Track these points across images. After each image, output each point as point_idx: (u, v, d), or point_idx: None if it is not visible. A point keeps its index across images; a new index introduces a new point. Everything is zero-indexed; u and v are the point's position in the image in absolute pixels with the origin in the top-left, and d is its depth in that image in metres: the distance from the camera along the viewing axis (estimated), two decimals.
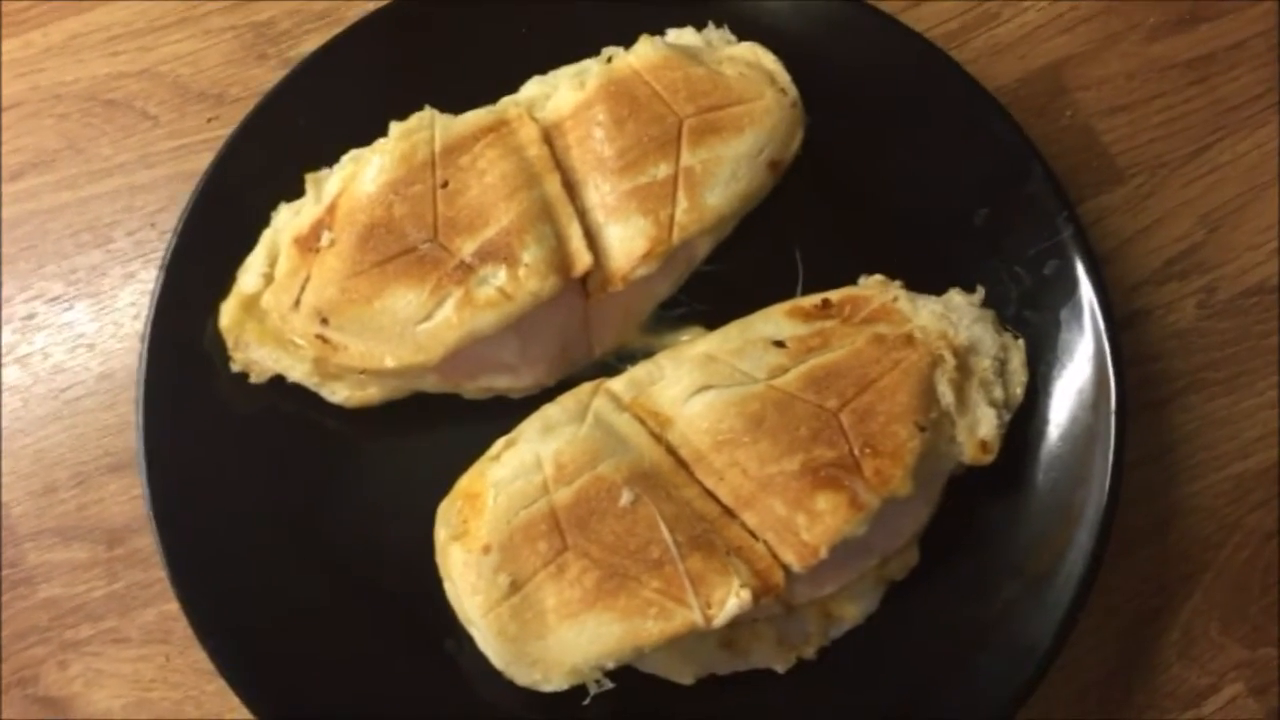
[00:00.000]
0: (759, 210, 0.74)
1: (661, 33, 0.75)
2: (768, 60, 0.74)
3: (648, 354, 0.70)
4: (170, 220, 0.76)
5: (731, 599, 0.62)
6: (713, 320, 0.71)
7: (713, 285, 0.73)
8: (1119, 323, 0.71)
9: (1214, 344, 0.75)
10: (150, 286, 0.73)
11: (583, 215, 0.70)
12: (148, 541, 0.70)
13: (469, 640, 0.64)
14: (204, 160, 0.74)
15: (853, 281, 0.72)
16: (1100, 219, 0.77)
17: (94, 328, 0.75)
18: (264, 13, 0.81)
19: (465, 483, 0.66)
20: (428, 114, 0.70)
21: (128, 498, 0.71)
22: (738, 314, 0.70)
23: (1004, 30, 0.82)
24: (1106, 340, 0.69)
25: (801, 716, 0.66)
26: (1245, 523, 0.71)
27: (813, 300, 0.70)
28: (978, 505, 0.68)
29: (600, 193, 0.70)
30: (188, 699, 0.69)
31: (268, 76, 0.78)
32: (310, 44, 0.79)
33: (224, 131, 0.75)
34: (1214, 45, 0.81)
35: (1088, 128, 0.79)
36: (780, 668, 0.66)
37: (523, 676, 0.63)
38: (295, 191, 0.71)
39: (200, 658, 0.67)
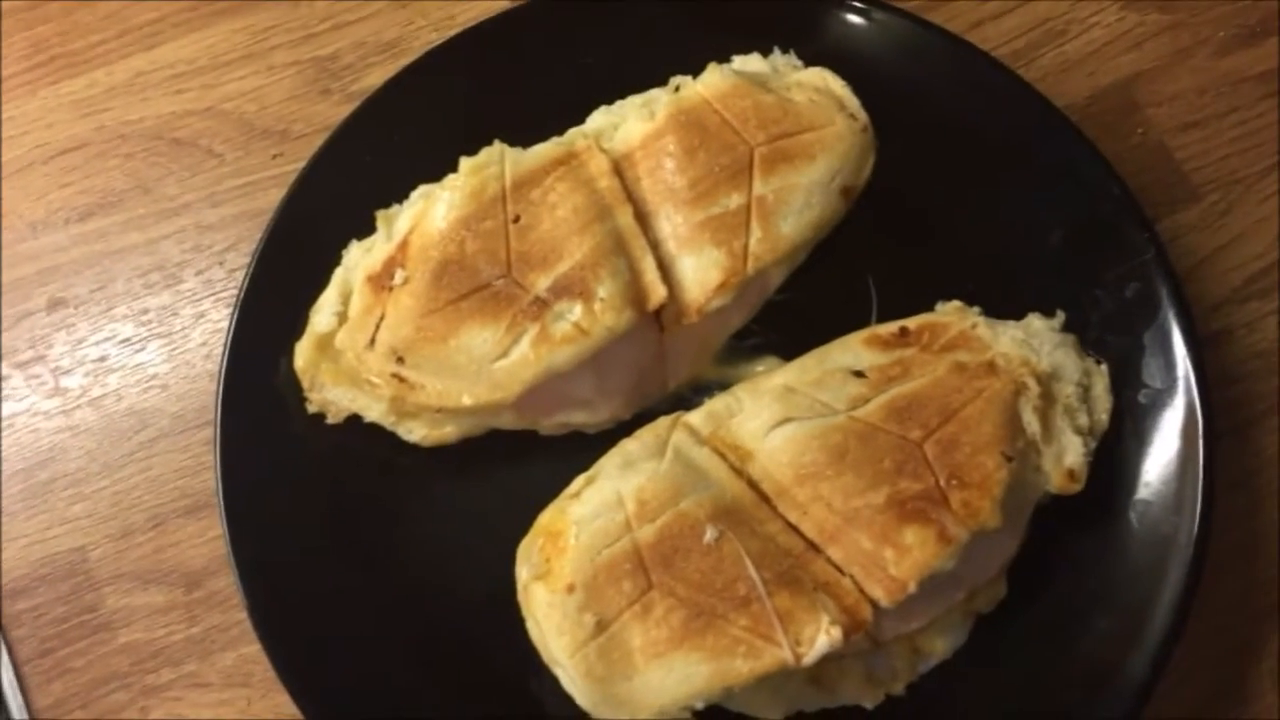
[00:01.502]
0: (831, 238, 0.73)
1: (727, 60, 0.74)
2: (836, 85, 0.73)
3: (722, 386, 0.70)
4: (238, 259, 0.76)
5: (821, 636, 0.61)
6: (787, 350, 0.71)
7: (786, 315, 0.72)
8: (1201, 343, 0.69)
9: None
10: (221, 325, 0.74)
11: (656, 247, 0.69)
12: (225, 584, 0.70)
13: (553, 681, 0.63)
14: (271, 197, 0.74)
15: (927, 308, 0.71)
16: (1176, 238, 0.76)
17: (166, 369, 0.75)
18: (328, 47, 0.81)
19: (545, 521, 0.65)
20: (497, 149, 0.70)
21: (204, 540, 0.71)
22: (811, 343, 0.69)
23: (1071, 47, 0.81)
24: (1192, 364, 0.68)
25: None
26: None
27: (890, 328, 0.69)
28: (1066, 536, 0.67)
29: (673, 224, 0.69)
30: None
31: (332, 112, 0.78)
32: (374, 78, 0.79)
33: (290, 168, 0.75)
34: None
35: (1160, 145, 0.78)
36: (869, 704, 0.65)
37: (610, 717, 0.62)
38: (366, 229, 0.70)
39: (281, 701, 0.67)
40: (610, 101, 0.74)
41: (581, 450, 0.67)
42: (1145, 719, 0.65)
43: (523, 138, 0.71)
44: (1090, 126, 0.75)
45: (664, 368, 0.71)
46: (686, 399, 0.71)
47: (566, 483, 0.66)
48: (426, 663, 0.66)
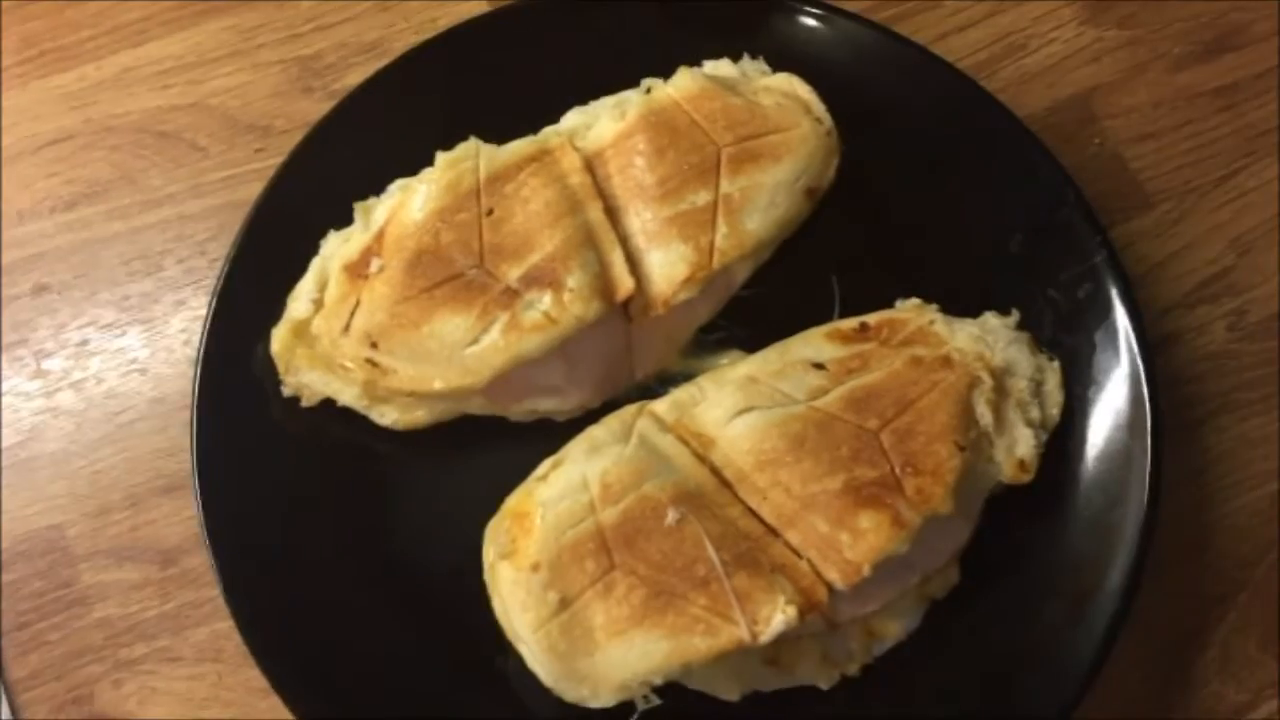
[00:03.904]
0: (796, 237, 0.75)
1: (698, 64, 0.77)
2: (803, 90, 0.76)
3: (688, 377, 0.72)
4: (219, 248, 0.78)
5: (778, 615, 0.63)
6: (751, 344, 0.73)
7: (751, 310, 0.74)
8: (1152, 345, 0.72)
9: (1246, 365, 0.76)
10: (200, 313, 0.76)
11: (624, 241, 0.71)
12: (199, 562, 0.71)
13: (517, 658, 0.64)
14: (252, 190, 0.76)
15: (887, 306, 0.73)
16: (1130, 244, 0.79)
17: (146, 353, 0.77)
18: (311, 47, 0.84)
19: (513, 503, 0.67)
20: (472, 144, 0.72)
21: (180, 519, 0.73)
22: (775, 338, 0.72)
23: (1032, 61, 0.83)
24: (1141, 361, 0.70)
25: None
26: None
27: (850, 324, 0.72)
28: (1017, 525, 0.69)
29: (641, 220, 0.72)
30: (240, 716, 0.69)
31: (314, 109, 0.80)
32: (355, 77, 0.81)
33: (272, 162, 0.77)
34: (1239, 74, 0.83)
35: (1116, 155, 0.81)
36: (824, 684, 0.67)
37: (571, 693, 0.63)
38: (343, 220, 0.72)
39: (251, 676, 0.68)
40: (584, 102, 0.76)
41: (550, 437, 0.69)
42: (1093, 704, 0.67)
43: (498, 136, 0.73)
44: (1049, 136, 0.78)
45: (631, 358, 0.73)
46: (653, 389, 0.72)
47: (534, 467, 0.67)
48: (395, 639, 0.68)
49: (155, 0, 0.85)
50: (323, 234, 0.73)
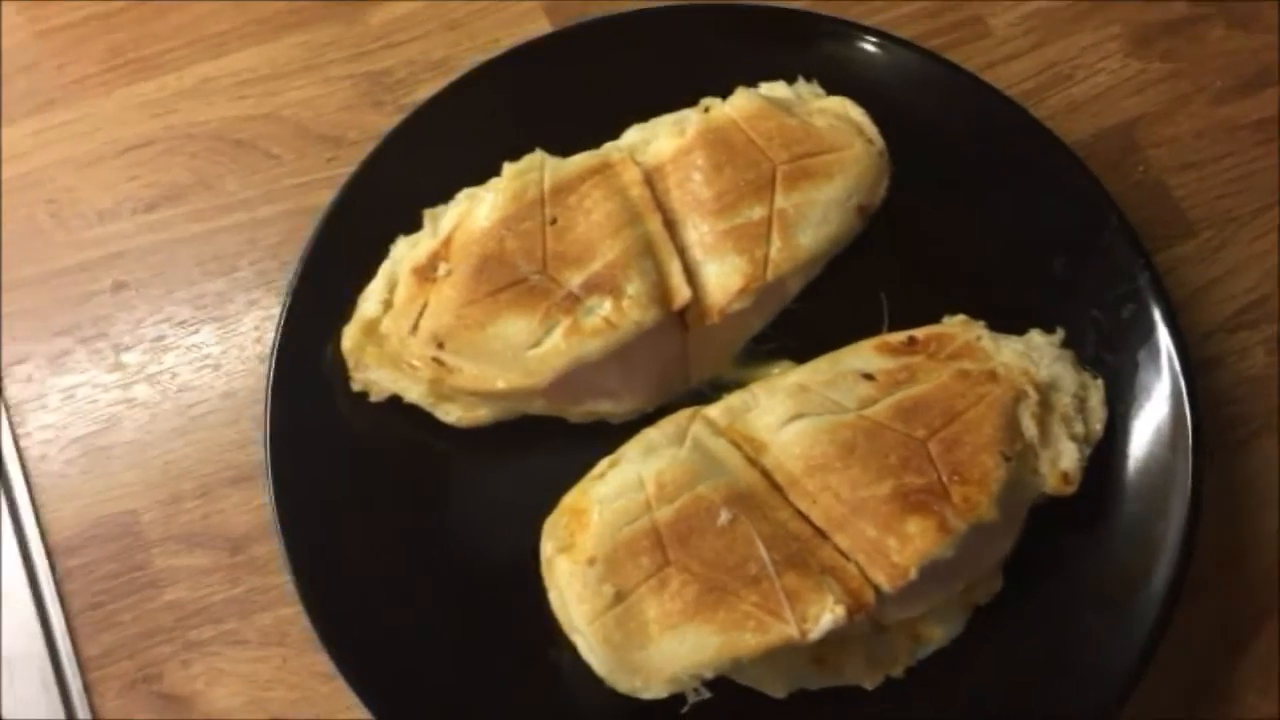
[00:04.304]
0: (846, 253, 0.78)
1: (755, 86, 0.80)
2: (856, 113, 0.79)
3: (740, 385, 0.74)
4: (290, 252, 0.81)
5: (826, 615, 0.65)
6: (801, 356, 0.75)
7: (802, 322, 0.77)
8: (1194, 366, 0.74)
9: None
10: (272, 313, 0.79)
11: (682, 253, 0.74)
12: (266, 549, 0.74)
13: (571, 650, 0.67)
14: (323, 197, 0.79)
15: (934, 322, 0.75)
16: (1172, 269, 0.81)
17: (219, 350, 0.80)
18: (381, 63, 0.87)
19: (570, 500, 0.69)
20: (538, 156, 0.75)
21: (249, 508, 0.75)
22: (825, 350, 0.74)
23: (1078, 90, 0.86)
24: (1184, 380, 0.72)
25: None
26: None
27: (899, 337, 0.74)
28: (1060, 536, 0.71)
29: (699, 232, 0.74)
30: (303, 699, 0.72)
31: (384, 121, 0.83)
32: (424, 92, 0.85)
33: (343, 171, 0.80)
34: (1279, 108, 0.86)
35: (1159, 183, 0.83)
36: (869, 685, 0.69)
37: (624, 684, 0.65)
38: (412, 227, 0.75)
39: (315, 660, 0.71)
40: (644, 120, 0.79)
41: (606, 438, 0.71)
42: (1131, 716, 0.68)
43: (562, 149, 0.76)
44: (1094, 163, 0.80)
45: (686, 364, 0.75)
46: (706, 395, 0.75)
47: (590, 467, 0.70)
48: (453, 629, 0.70)
49: (234, 15, 0.89)
50: (392, 239, 0.76)
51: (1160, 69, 0.87)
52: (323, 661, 0.68)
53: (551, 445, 0.73)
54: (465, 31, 0.89)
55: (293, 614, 0.71)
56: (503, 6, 0.90)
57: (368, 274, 0.75)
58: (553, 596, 0.68)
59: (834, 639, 0.67)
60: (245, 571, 0.74)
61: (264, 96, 0.87)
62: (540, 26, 0.88)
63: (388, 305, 0.74)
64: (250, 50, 0.88)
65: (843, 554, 0.67)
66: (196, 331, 0.80)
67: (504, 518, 0.72)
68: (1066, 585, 0.70)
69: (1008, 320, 0.74)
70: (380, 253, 0.75)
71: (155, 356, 0.80)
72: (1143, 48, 0.87)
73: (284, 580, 0.70)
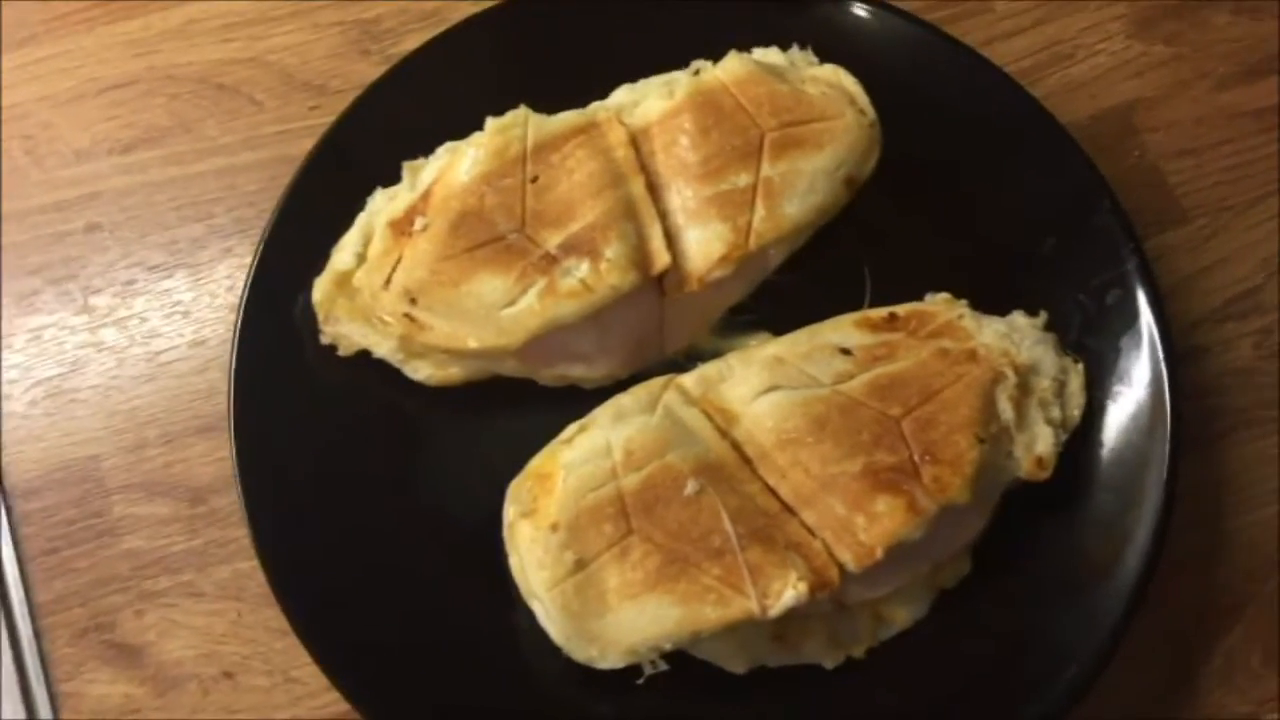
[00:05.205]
0: (831, 225, 0.76)
1: (748, 51, 0.78)
2: (849, 82, 0.77)
3: (716, 355, 0.73)
4: (269, 200, 0.79)
5: (788, 591, 0.64)
6: (780, 328, 0.74)
7: (783, 294, 0.75)
8: (1178, 356, 0.73)
9: (1269, 383, 0.76)
10: (245, 261, 0.78)
11: (664, 217, 0.72)
12: (228, 501, 0.73)
13: (529, 616, 0.66)
14: (305, 145, 0.77)
15: (917, 299, 0.74)
16: (1163, 256, 0.79)
17: (190, 296, 0.79)
18: (371, 10, 0.86)
19: (537, 463, 0.68)
20: (522, 112, 0.73)
21: (213, 459, 0.74)
22: (805, 323, 0.73)
23: (1077, 70, 0.84)
24: (1166, 370, 0.71)
25: (847, 713, 0.68)
26: None
27: (880, 313, 0.73)
28: (1031, 521, 0.70)
29: (682, 197, 0.73)
30: (256, 654, 0.71)
31: (370, 71, 0.81)
32: (412, 43, 0.83)
33: (325, 120, 0.79)
34: None
35: (1155, 168, 0.82)
36: (829, 664, 0.68)
37: (580, 652, 0.65)
38: (392, 179, 0.74)
39: (270, 615, 0.70)
40: (634, 80, 0.78)
41: (577, 403, 0.70)
42: (1096, 706, 0.67)
43: (548, 107, 0.74)
44: (1089, 145, 0.79)
45: (662, 332, 0.74)
46: (681, 365, 0.74)
47: (561, 431, 0.69)
48: (412, 589, 0.69)
49: None
50: (371, 191, 0.74)
51: (1162, 52, 0.85)
52: (277, 617, 0.67)
53: (522, 407, 0.72)
54: None
55: (250, 568, 0.71)
56: None
57: (345, 226, 0.73)
58: (513, 561, 0.67)
59: (796, 616, 0.66)
60: (205, 523, 0.73)
61: (249, 40, 0.85)
62: None
63: (362, 258, 0.72)
64: None
65: (810, 530, 0.66)
66: (169, 276, 0.79)
67: (471, 479, 0.71)
68: (1035, 571, 0.69)
69: (993, 300, 0.73)
70: (359, 205, 0.74)
71: (125, 301, 0.78)
72: (1146, 30, 0.86)
73: (243, 534, 0.69)
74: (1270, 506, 0.73)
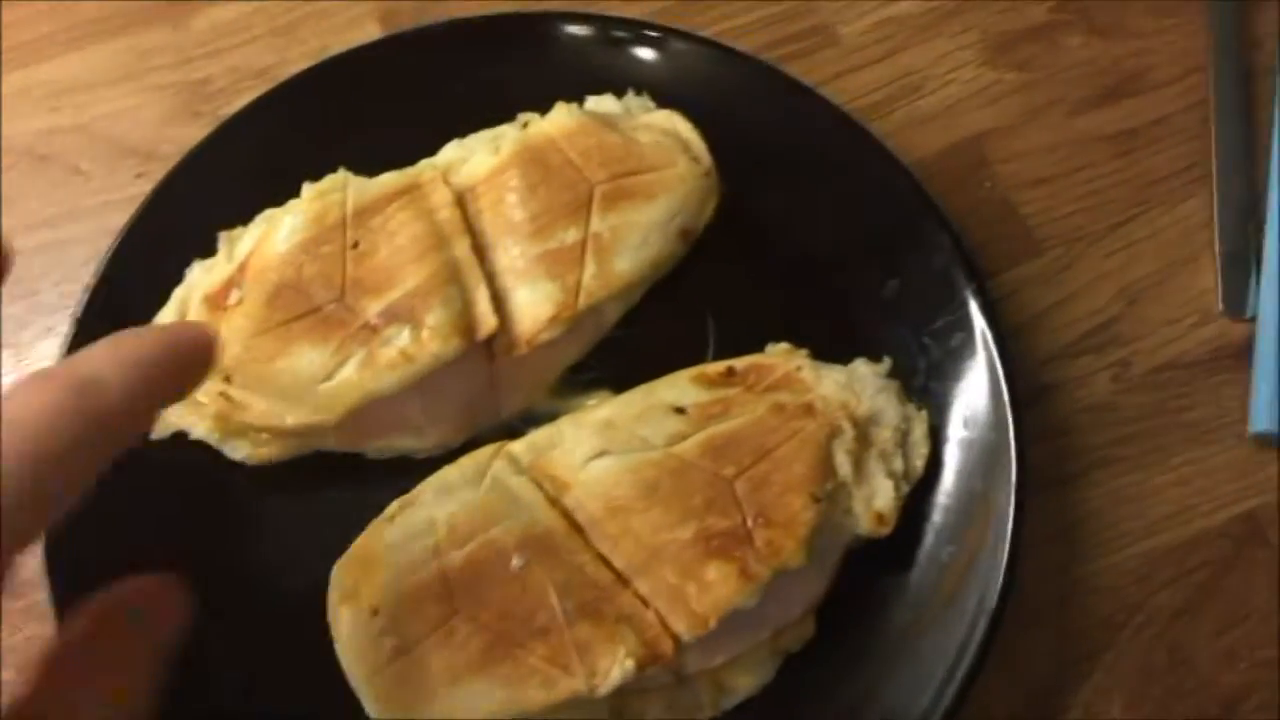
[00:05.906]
0: (671, 277, 0.74)
1: (582, 99, 0.76)
2: (684, 128, 0.75)
3: (555, 416, 0.71)
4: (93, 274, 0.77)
5: (616, 668, 0.61)
6: (622, 385, 0.71)
7: (623, 350, 0.73)
8: (1027, 397, 0.71)
9: (1126, 419, 0.74)
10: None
11: (491, 279, 0.70)
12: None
13: (357, 703, 0.63)
14: (128, 215, 0.75)
15: (762, 350, 0.72)
16: (1016, 290, 0.77)
17: (11, 379, 0.76)
18: (203, 70, 0.83)
19: (359, 545, 0.66)
20: (341, 176, 0.71)
21: (30, 552, 0.71)
22: (647, 379, 0.70)
23: (926, 103, 0.82)
24: (1010, 412, 0.69)
25: None
26: (1150, 602, 0.70)
27: (718, 368, 0.71)
28: (875, 578, 0.68)
29: (510, 256, 0.71)
30: None
31: (200, 134, 0.78)
32: (243, 103, 0.80)
33: (150, 187, 0.76)
34: (1138, 120, 0.82)
35: (1006, 200, 0.80)
36: None
37: None
38: (211, 250, 0.72)
39: None
40: (464, 135, 0.75)
41: (409, 474, 0.67)
42: None
43: (376, 167, 0.72)
44: (941, 180, 0.77)
45: (496, 397, 0.72)
46: (518, 429, 0.71)
47: (389, 505, 0.66)
48: (237, 677, 0.66)
49: (53, 20, 0.85)
50: (189, 263, 0.72)
51: (1015, 79, 0.83)
52: None
53: (350, 483, 0.70)
54: (294, 37, 0.85)
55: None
56: (335, 9, 0.85)
57: (162, 301, 0.71)
58: (338, 649, 0.64)
59: (633, 689, 0.64)
60: (24, 619, 0.70)
61: (77, 108, 0.82)
62: (372, 33, 0.84)
63: None
64: (69, 57, 0.84)
65: (643, 600, 0.64)
66: None
67: (296, 562, 0.68)
68: (880, 631, 0.67)
69: (838, 347, 0.71)
70: (177, 278, 0.72)
71: None
72: (999, 56, 0.84)
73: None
74: (1126, 549, 0.71)
